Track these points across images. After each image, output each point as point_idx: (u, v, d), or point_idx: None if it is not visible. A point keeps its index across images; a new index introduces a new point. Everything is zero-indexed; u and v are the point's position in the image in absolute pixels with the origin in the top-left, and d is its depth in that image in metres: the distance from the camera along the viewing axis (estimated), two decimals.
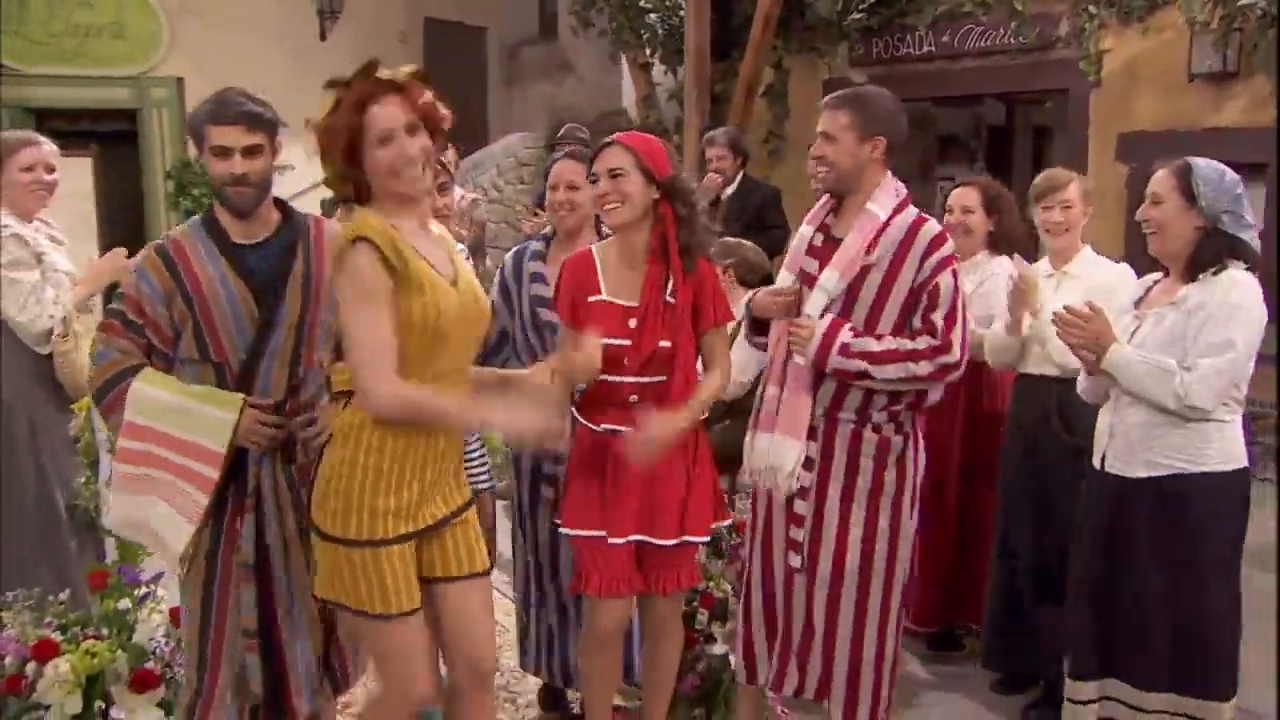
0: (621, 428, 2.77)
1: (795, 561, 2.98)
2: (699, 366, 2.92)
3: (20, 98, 9.24)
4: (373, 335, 2.28)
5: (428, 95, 2.39)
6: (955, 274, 2.85)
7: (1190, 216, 2.87)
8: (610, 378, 2.77)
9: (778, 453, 2.94)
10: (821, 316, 2.86)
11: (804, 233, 3.01)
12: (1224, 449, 2.87)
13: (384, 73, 2.36)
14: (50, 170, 3.65)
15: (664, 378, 2.80)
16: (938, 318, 2.83)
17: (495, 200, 10.02)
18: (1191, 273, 2.89)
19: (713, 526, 2.95)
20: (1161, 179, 2.94)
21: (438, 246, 2.47)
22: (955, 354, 2.82)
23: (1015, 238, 3.93)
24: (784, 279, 3.02)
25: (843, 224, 2.95)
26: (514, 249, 3.37)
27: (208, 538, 2.65)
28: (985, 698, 3.82)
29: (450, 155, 5.97)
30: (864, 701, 2.98)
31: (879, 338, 2.84)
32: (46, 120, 9.39)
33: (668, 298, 2.78)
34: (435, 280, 2.35)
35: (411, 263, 2.31)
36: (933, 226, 2.87)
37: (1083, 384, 3.11)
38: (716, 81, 8.38)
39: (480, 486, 3.46)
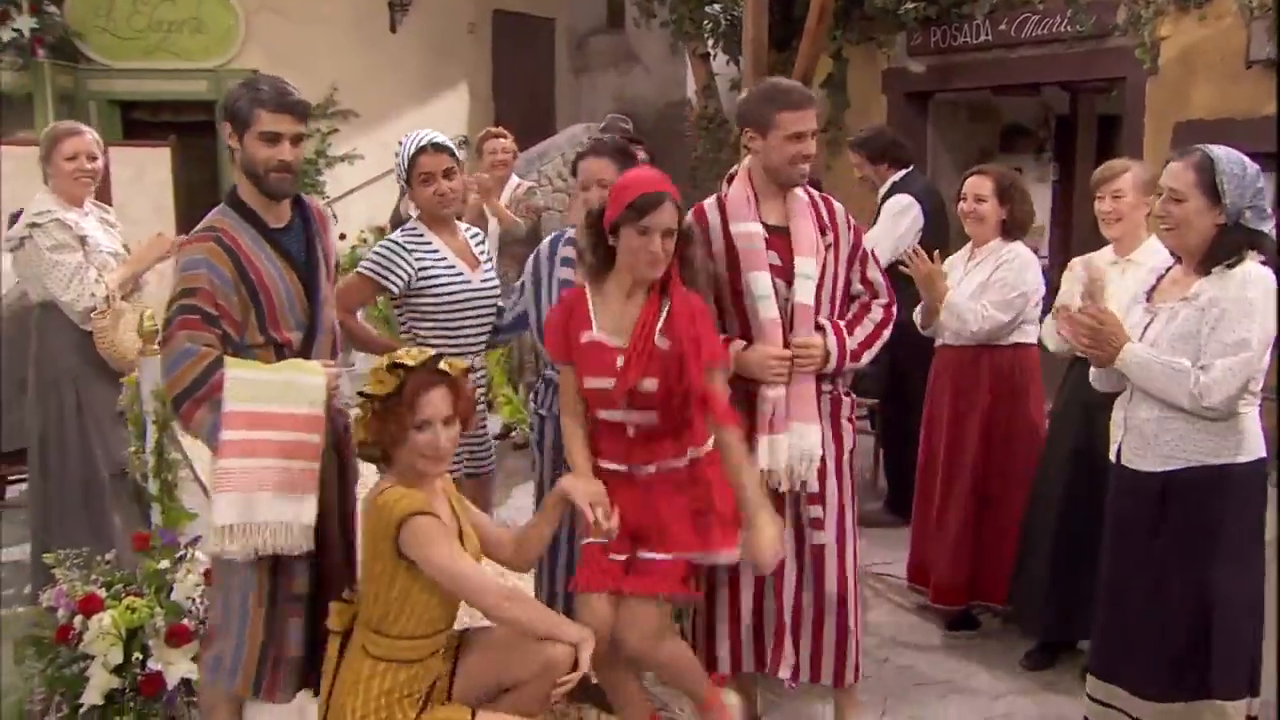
0: (621, 466, 2.85)
1: (822, 539, 3.09)
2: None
3: (107, 90, 9.67)
4: (467, 567, 2.57)
5: (469, 391, 2.65)
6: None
7: (1212, 214, 2.78)
8: (603, 414, 2.84)
9: (804, 441, 3.03)
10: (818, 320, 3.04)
11: (753, 231, 3.04)
12: (1240, 441, 2.82)
13: (446, 364, 2.61)
14: (93, 158, 3.88)
15: (655, 417, 2.79)
16: (874, 275, 3.12)
17: (560, 190, 10.18)
18: (1206, 266, 2.81)
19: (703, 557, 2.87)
20: (1180, 173, 2.81)
21: (441, 506, 2.69)
22: (893, 303, 3.17)
23: (1027, 226, 3.99)
24: (758, 280, 3.01)
25: (772, 213, 3.08)
26: (552, 234, 3.47)
27: None
28: (1006, 671, 3.87)
29: (505, 144, 6.14)
30: (852, 658, 3.16)
31: (849, 325, 3.06)
32: (130, 112, 9.84)
33: (658, 340, 2.77)
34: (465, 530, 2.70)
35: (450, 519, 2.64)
36: (838, 204, 3.16)
37: (1095, 375, 3.11)
38: (776, 72, 8.41)
39: (485, 469, 3.57)
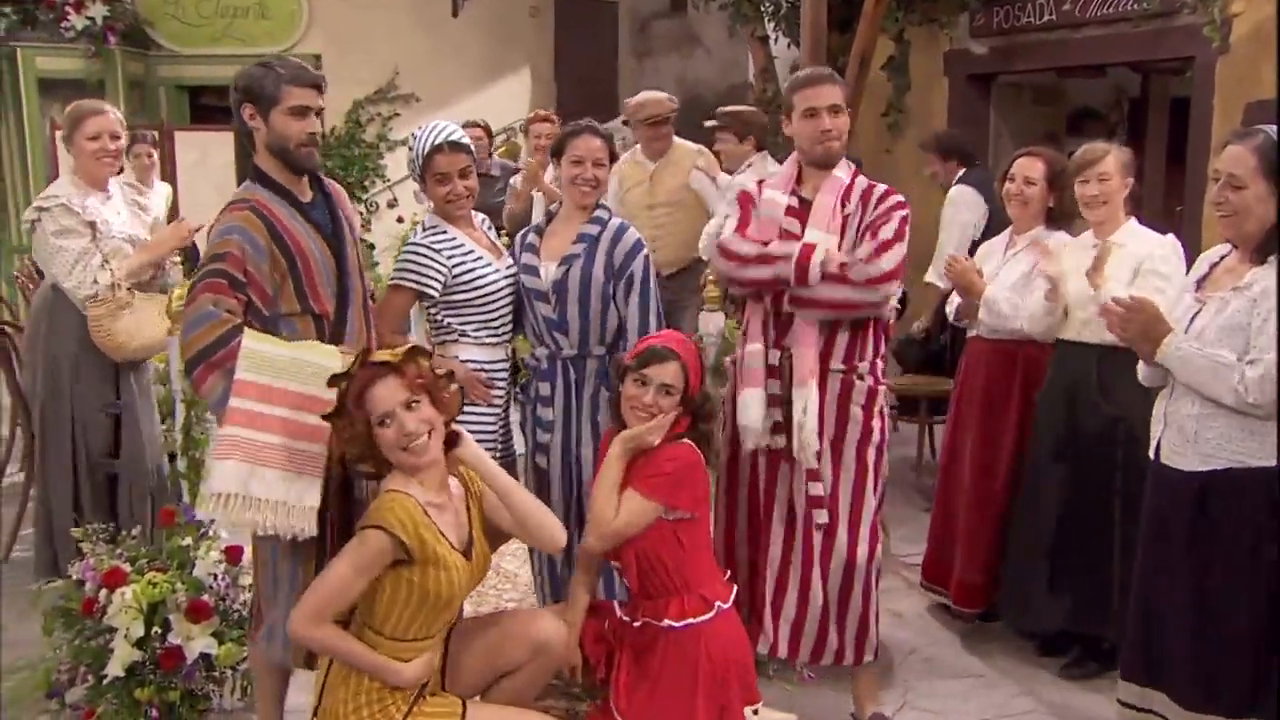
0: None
1: (822, 518, 3.11)
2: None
3: (176, 77, 9.87)
4: (336, 588, 2.50)
5: (424, 367, 2.56)
6: (907, 220, 3.10)
7: (1273, 200, 2.61)
8: None
9: (800, 404, 3.07)
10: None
11: (776, 199, 3.18)
12: None
13: (378, 355, 2.55)
14: (115, 138, 3.91)
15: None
16: (882, 234, 3.06)
17: (616, 173, 10.15)
18: (1262, 255, 2.66)
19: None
20: (1240, 157, 2.64)
21: (453, 511, 2.64)
22: (882, 268, 3.02)
23: (1074, 215, 3.85)
24: (777, 246, 3.12)
25: (809, 189, 3.19)
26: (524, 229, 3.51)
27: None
28: (1023, 658, 3.82)
29: (550, 129, 6.17)
30: (864, 642, 3.20)
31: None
32: (198, 97, 10.03)
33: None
34: (450, 559, 2.55)
35: (429, 544, 2.50)
36: (883, 186, 3.16)
37: (1143, 371, 2.98)
38: (836, 54, 8.27)
39: (507, 455, 3.49)
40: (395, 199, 10.00)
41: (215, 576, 3.31)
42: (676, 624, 2.82)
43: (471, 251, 3.29)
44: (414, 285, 3.23)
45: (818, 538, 3.13)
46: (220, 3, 9.77)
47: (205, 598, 3.25)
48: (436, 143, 3.21)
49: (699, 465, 2.90)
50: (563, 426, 3.33)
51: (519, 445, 3.49)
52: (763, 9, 9.03)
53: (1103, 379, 3.48)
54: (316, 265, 2.79)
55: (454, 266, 3.23)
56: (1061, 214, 3.85)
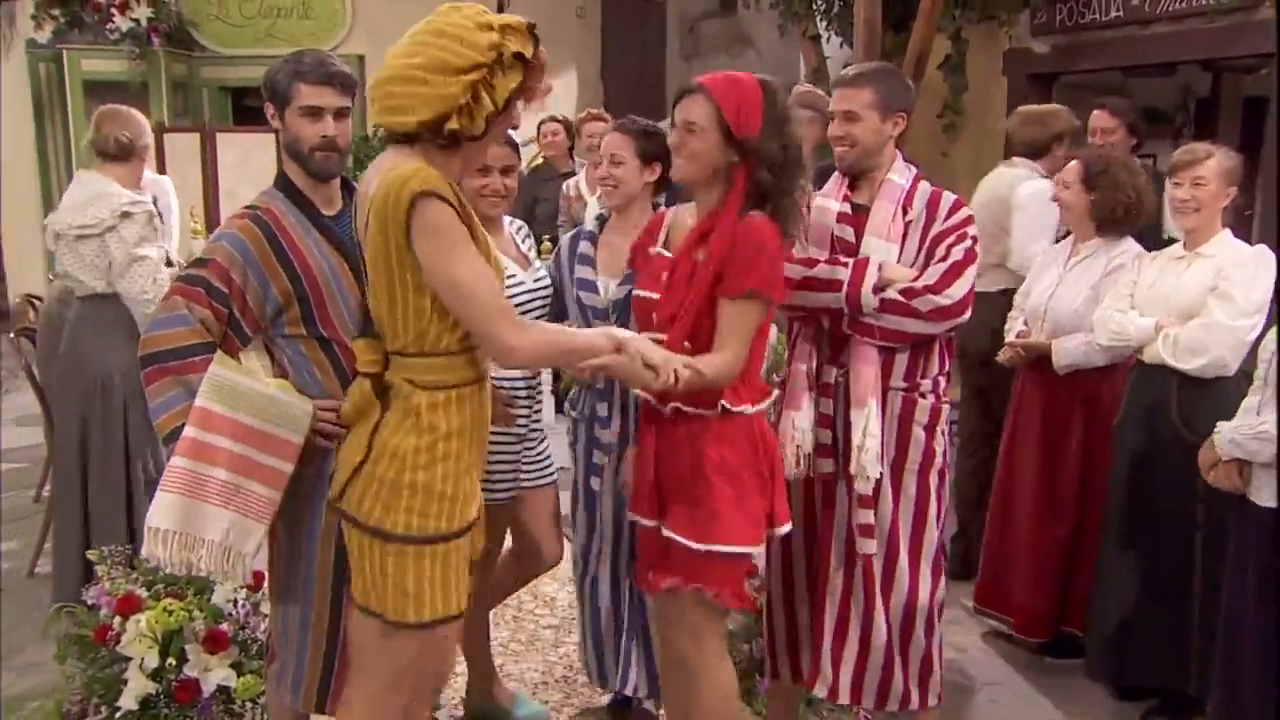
0: (650, 399, 2.62)
1: (869, 548, 2.87)
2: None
3: (219, 78, 9.83)
4: (487, 284, 2.11)
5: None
6: (975, 237, 2.81)
7: None
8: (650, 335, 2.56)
9: (860, 425, 2.80)
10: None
11: (827, 206, 2.89)
12: None
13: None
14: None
15: (663, 338, 2.49)
16: (953, 255, 2.78)
17: None
18: None
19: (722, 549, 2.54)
20: None
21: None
22: (953, 297, 2.75)
23: (1119, 220, 3.59)
24: (824, 270, 2.81)
25: (864, 195, 2.90)
26: (573, 231, 3.27)
27: (333, 520, 2.51)
28: (1098, 704, 3.55)
29: (602, 127, 5.99)
30: (929, 683, 2.97)
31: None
32: (242, 98, 9.97)
33: (698, 255, 2.53)
34: (489, 251, 2.24)
35: (476, 225, 2.19)
36: (951, 194, 2.85)
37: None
38: (892, 54, 8.01)
39: (545, 480, 3.29)
40: None
41: (235, 603, 3.15)
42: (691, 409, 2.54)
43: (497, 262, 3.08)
44: None
45: (878, 571, 2.88)
46: (263, 3, 9.72)
47: (224, 626, 3.08)
48: None
49: (779, 248, 2.51)
50: (619, 450, 3.08)
51: (563, 460, 3.26)
52: (815, 7, 8.80)
53: (1182, 404, 3.22)
54: (329, 287, 2.53)
55: None
56: (1102, 218, 3.58)
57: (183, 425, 2.41)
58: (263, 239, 2.50)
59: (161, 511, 2.40)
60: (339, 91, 2.56)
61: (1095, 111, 3.83)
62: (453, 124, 2.09)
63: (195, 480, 2.39)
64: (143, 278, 3.75)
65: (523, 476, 3.19)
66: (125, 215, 3.76)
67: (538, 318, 3.10)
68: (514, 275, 3.05)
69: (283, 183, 2.60)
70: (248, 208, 2.58)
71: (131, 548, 3.28)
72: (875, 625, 2.89)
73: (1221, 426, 2.72)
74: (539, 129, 6.82)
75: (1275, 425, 2.54)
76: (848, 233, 2.86)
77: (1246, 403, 2.75)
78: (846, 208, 2.89)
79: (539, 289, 3.13)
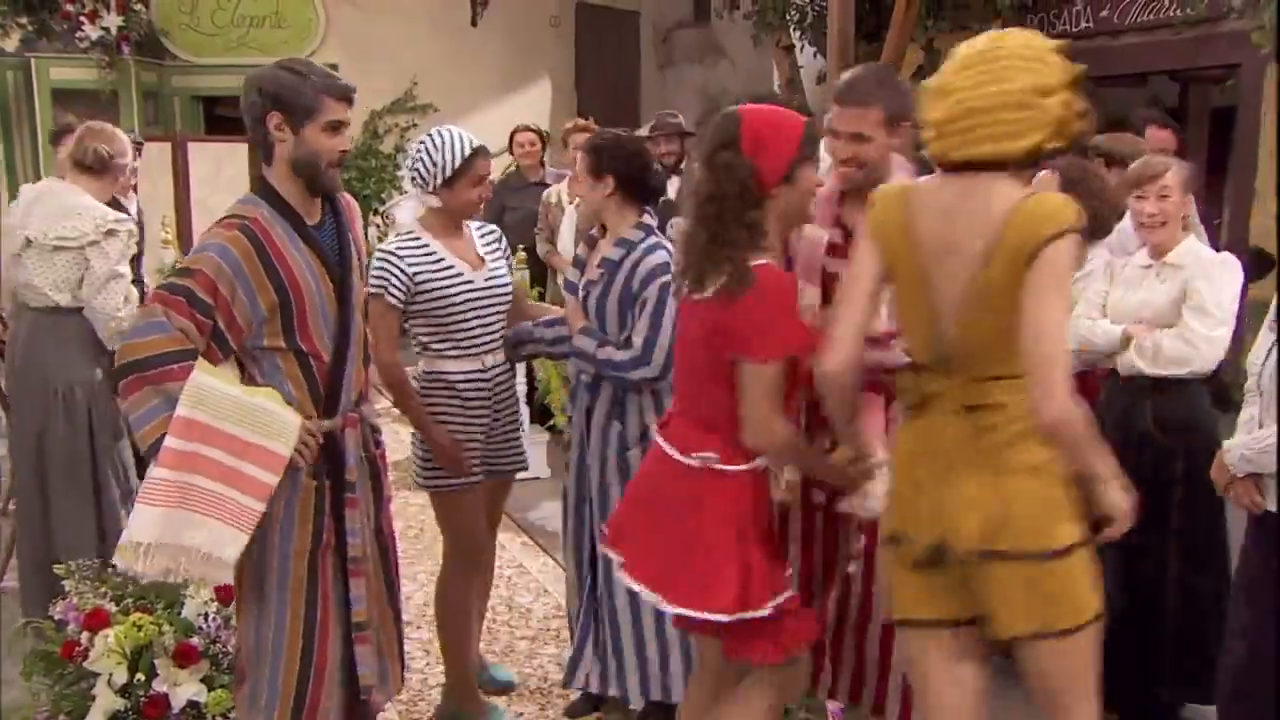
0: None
1: (852, 568, 2.86)
2: None
3: (191, 87, 9.77)
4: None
5: None
6: None
7: None
8: None
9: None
10: None
11: (816, 237, 2.73)
12: None
13: None
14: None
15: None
16: None
17: None
18: None
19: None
20: None
21: None
22: None
23: (1097, 227, 3.59)
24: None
25: (857, 211, 2.65)
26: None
27: (306, 538, 2.53)
28: None
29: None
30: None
31: None
32: (214, 107, 9.93)
33: None
34: None
35: None
36: None
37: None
38: (864, 64, 8.07)
39: (512, 469, 3.44)
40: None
41: (206, 617, 3.09)
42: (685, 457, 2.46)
43: (441, 260, 3.14)
44: (379, 290, 3.08)
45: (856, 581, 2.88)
46: (236, 11, 9.68)
47: (194, 640, 3.04)
48: (475, 145, 3.14)
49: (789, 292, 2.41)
50: (578, 452, 3.19)
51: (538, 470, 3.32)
52: (788, 17, 8.83)
53: (1157, 411, 3.23)
54: (312, 300, 2.49)
55: (415, 274, 3.10)
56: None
57: (164, 436, 2.37)
58: (252, 251, 2.43)
59: (144, 525, 2.36)
60: (350, 106, 2.54)
61: (1154, 130, 3.62)
62: (1052, 144, 2.13)
63: (178, 490, 2.35)
64: (117, 295, 3.72)
65: (496, 460, 3.32)
66: (111, 233, 3.72)
67: (491, 316, 3.21)
68: (458, 274, 3.15)
69: (266, 192, 2.52)
70: (234, 217, 2.48)
71: (100, 562, 3.24)
72: (869, 632, 2.89)
73: (1229, 444, 2.69)
74: (512, 138, 6.82)
75: (1276, 436, 2.54)
76: (840, 266, 2.66)
77: (1244, 415, 2.74)
78: (838, 235, 2.74)
79: (490, 286, 3.21)
